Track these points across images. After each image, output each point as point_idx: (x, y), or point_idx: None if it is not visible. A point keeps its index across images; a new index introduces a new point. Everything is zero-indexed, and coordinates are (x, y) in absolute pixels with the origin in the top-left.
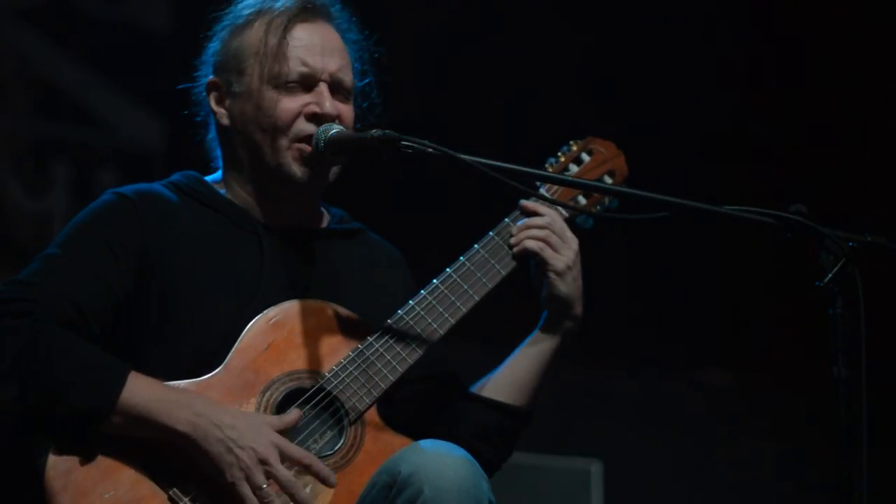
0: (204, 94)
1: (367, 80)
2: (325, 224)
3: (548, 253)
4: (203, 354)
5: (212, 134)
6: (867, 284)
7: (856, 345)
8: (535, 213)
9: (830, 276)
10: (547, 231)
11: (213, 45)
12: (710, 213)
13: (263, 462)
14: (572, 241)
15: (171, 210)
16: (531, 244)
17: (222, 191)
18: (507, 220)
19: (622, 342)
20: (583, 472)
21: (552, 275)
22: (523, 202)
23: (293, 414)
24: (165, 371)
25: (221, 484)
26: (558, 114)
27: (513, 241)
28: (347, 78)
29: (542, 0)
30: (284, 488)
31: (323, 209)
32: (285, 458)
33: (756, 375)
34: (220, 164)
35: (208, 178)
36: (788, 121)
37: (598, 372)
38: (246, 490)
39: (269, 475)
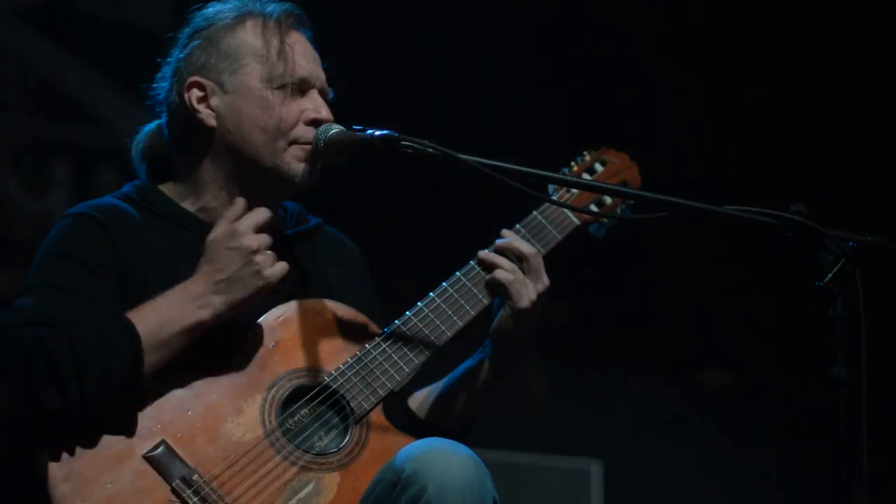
0: (171, 94)
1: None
2: (285, 224)
3: (514, 287)
4: (183, 368)
5: (169, 137)
6: (867, 284)
7: (856, 345)
8: (511, 247)
9: (830, 276)
10: (518, 266)
11: (192, 44)
12: (710, 213)
13: (256, 251)
14: (542, 282)
15: (135, 227)
16: (501, 274)
17: (179, 201)
18: (486, 250)
19: (622, 342)
20: (583, 472)
21: (509, 310)
22: (503, 233)
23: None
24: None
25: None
26: (559, 113)
27: (485, 274)
28: (328, 90)
29: (544, 1)
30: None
31: (280, 210)
32: (256, 228)
33: (756, 375)
34: (182, 168)
35: (160, 186)
36: (789, 121)
37: (598, 372)
38: (270, 271)
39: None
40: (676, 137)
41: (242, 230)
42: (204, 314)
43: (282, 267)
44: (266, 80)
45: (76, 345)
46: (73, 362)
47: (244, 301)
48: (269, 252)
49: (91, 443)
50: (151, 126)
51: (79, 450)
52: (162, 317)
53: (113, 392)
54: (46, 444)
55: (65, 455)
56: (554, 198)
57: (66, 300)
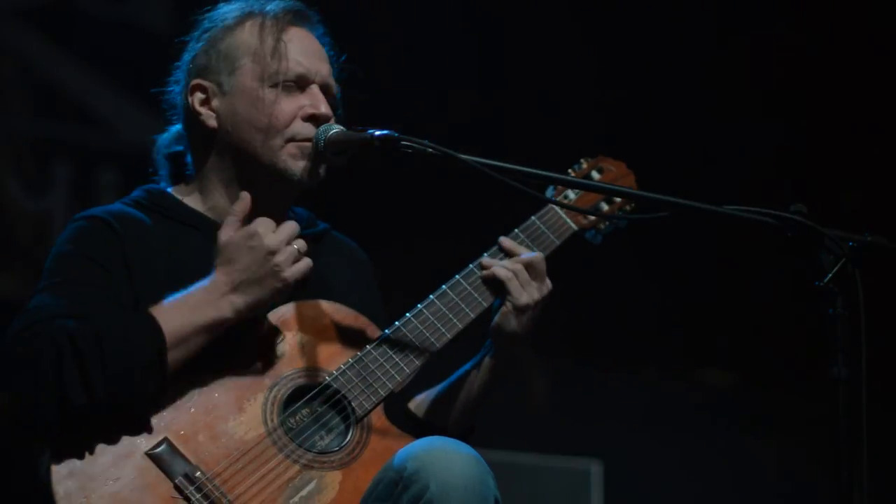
0: (180, 97)
1: (339, 96)
2: None
3: (514, 284)
4: (185, 367)
5: (183, 141)
6: (867, 284)
7: (856, 345)
8: (512, 252)
9: (830, 276)
10: (520, 266)
11: (196, 47)
12: (710, 213)
13: (275, 252)
14: (545, 284)
15: (144, 230)
16: (501, 271)
17: (189, 202)
18: (486, 255)
19: (622, 342)
20: (583, 472)
21: (509, 306)
22: (502, 239)
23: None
24: None
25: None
26: (559, 112)
27: (484, 272)
28: (334, 86)
29: (543, 3)
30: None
31: (289, 213)
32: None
33: (756, 375)
34: (191, 171)
35: (171, 188)
36: (789, 121)
37: (598, 372)
38: (291, 271)
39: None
40: (677, 137)
41: (262, 230)
42: (226, 314)
43: (304, 265)
44: (260, 79)
45: (103, 340)
46: (101, 358)
47: (265, 301)
48: (289, 249)
49: (97, 439)
50: (176, 128)
51: (83, 447)
52: (185, 315)
53: (135, 388)
54: (60, 437)
55: (68, 452)
56: (551, 196)
57: (88, 295)
